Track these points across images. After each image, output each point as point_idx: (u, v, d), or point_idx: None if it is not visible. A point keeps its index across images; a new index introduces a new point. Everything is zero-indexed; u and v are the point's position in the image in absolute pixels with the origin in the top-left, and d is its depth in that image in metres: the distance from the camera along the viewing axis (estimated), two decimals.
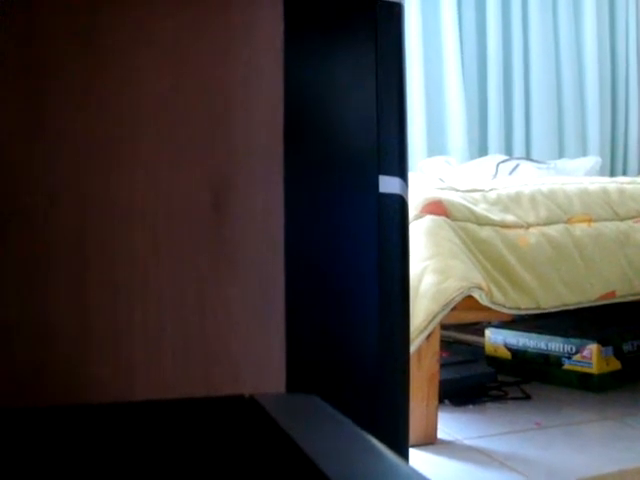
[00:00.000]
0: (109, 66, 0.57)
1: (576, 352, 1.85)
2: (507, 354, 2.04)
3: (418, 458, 1.35)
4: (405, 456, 0.69)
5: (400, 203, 0.72)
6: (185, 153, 0.59)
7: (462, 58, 2.83)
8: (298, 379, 0.62)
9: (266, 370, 0.60)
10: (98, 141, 0.56)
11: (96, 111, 0.56)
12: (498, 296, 1.45)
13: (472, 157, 2.78)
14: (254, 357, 0.59)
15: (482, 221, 1.55)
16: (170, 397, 0.57)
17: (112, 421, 0.40)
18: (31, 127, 0.54)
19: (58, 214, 0.55)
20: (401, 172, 0.73)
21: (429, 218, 1.48)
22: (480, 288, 1.38)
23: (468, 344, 2.30)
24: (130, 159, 0.57)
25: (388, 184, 0.71)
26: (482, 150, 2.90)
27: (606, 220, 1.73)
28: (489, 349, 2.10)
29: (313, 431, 0.28)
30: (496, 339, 2.08)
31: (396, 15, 0.76)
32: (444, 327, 2.20)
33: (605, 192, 1.79)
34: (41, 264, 0.54)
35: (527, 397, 1.78)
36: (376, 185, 0.70)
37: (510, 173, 2.24)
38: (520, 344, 2.00)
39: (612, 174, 3.11)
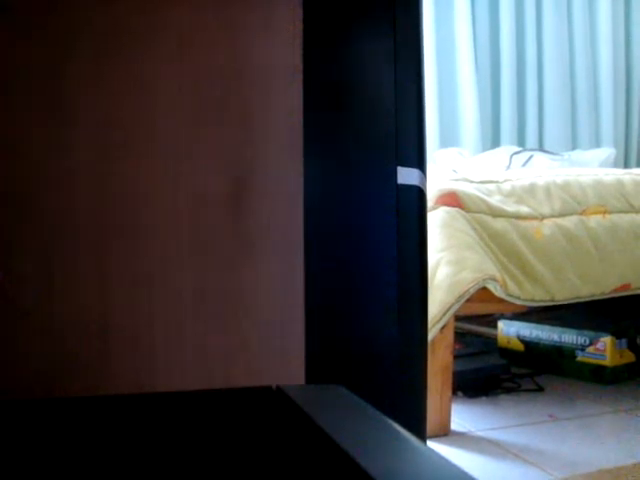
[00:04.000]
0: (127, 53, 0.57)
1: (590, 344, 1.85)
2: (520, 346, 2.04)
3: None
4: None
5: (418, 194, 0.72)
6: (204, 141, 0.59)
7: (475, 48, 2.81)
8: (317, 370, 0.62)
9: (285, 361, 0.60)
10: (115, 130, 0.56)
11: (113, 99, 0.56)
12: (513, 288, 1.44)
13: (485, 148, 2.77)
14: (273, 349, 0.59)
15: (496, 213, 1.54)
16: (191, 389, 0.57)
17: (139, 412, 0.40)
18: (48, 115, 0.55)
19: (77, 204, 0.55)
20: (419, 163, 0.72)
21: (443, 209, 1.47)
22: (495, 280, 1.38)
23: (480, 336, 2.29)
24: (149, 148, 0.57)
25: (406, 175, 0.70)
26: (495, 141, 2.89)
27: (621, 212, 1.72)
28: (502, 341, 2.10)
29: (343, 422, 0.28)
30: (509, 331, 2.07)
31: (414, 5, 0.75)
32: (456, 318, 2.20)
33: (620, 183, 1.77)
34: (60, 255, 0.54)
35: (540, 389, 1.78)
36: (394, 176, 0.70)
37: (524, 164, 2.23)
38: (533, 336, 2.00)
39: (626, 165, 3.09)
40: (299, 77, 0.62)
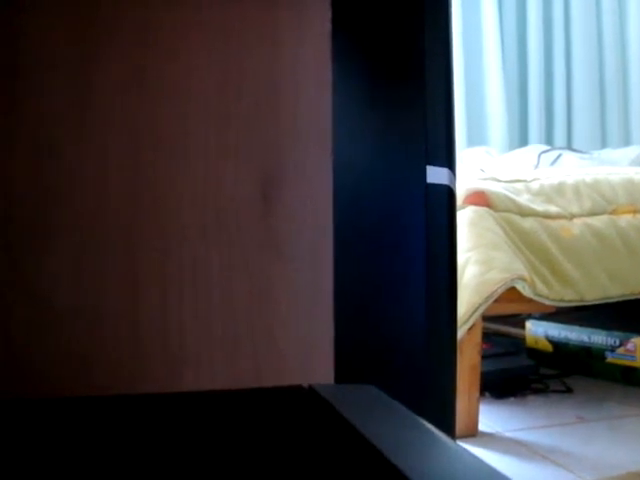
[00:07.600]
0: (159, 55, 0.57)
1: (619, 345, 1.83)
2: (548, 346, 2.02)
3: None
4: None
5: (448, 194, 0.71)
6: (234, 142, 0.59)
7: (502, 47, 2.79)
8: (346, 369, 0.62)
9: (314, 361, 0.60)
10: (146, 132, 0.57)
11: (145, 100, 0.57)
12: (541, 288, 1.43)
13: (512, 147, 2.75)
14: (302, 349, 0.59)
15: (525, 212, 1.53)
16: (221, 388, 0.57)
17: (172, 412, 0.40)
18: (80, 114, 0.55)
19: (109, 204, 0.55)
20: (449, 163, 0.72)
21: (471, 209, 1.46)
22: (523, 280, 1.37)
23: (508, 336, 2.28)
24: (179, 149, 0.57)
25: (436, 174, 0.70)
26: (522, 140, 2.87)
27: None
28: (530, 341, 2.08)
29: (377, 422, 0.28)
30: (537, 331, 2.06)
31: (444, 5, 0.75)
32: (484, 319, 2.18)
33: None
34: (92, 255, 0.55)
35: (569, 390, 1.76)
36: (424, 175, 0.69)
37: (552, 163, 2.21)
38: (562, 336, 1.98)
39: None
40: (329, 77, 0.62)
